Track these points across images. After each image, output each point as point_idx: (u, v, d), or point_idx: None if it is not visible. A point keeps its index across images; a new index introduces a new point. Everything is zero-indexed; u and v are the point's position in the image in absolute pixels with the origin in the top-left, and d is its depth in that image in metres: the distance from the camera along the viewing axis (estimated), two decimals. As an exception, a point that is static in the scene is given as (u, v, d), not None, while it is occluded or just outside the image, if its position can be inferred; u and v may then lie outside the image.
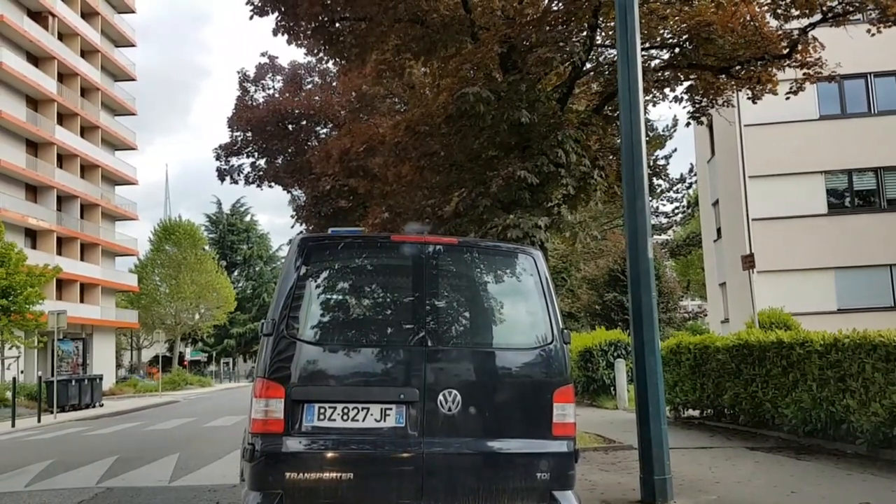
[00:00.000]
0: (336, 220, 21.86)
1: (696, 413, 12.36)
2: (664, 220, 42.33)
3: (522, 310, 4.99)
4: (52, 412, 22.46)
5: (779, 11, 10.70)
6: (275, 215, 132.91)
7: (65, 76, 43.00)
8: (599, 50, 12.04)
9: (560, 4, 10.81)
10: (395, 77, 14.71)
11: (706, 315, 34.78)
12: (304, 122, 24.95)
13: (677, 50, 11.29)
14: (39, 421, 20.54)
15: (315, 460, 4.26)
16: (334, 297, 4.78)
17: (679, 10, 10.68)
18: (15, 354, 28.51)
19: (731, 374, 10.54)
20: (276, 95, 25.58)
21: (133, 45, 51.91)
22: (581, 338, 19.26)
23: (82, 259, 43.61)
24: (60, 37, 42.74)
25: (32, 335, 27.66)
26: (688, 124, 13.72)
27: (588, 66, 11.67)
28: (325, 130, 25.29)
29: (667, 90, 12.38)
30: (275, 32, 11.07)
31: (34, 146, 40.28)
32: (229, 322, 63.11)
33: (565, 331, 4.78)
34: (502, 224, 9.75)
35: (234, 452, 10.05)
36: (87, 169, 45.03)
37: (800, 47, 10.83)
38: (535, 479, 4.43)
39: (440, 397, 4.37)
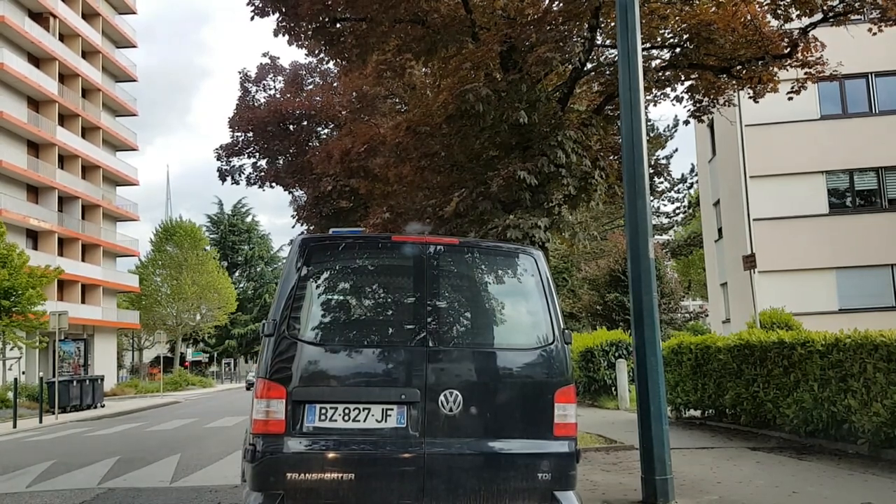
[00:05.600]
0: (337, 220, 21.88)
1: (698, 413, 12.35)
2: (665, 220, 42.41)
3: (523, 310, 4.98)
4: (53, 413, 22.47)
5: (779, 11, 10.70)
6: (276, 216, 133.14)
7: (66, 77, 43.05)
8: (600, 50, 12.04)
9: (560, 4, 10.81)
10: (396, 77, 14.72)
11: (707, 315, 34.76)
12: (305, 123, 24.94)
13: (678, 50, 11.29)
14: (41, 422, 20.56)
15: (316, 461, 4.25)
16: (335, 297, 4.77)
17: (680, 9, 10.67)
18: (17, 355, 28.54)
19: (732, 375, 10.53)
20: (278, 96, 25.57)
21: (134, 46, 51.99)
22: (582, 338, 19.25)
23: (83, 260, 43.66)
24: (61, 38, 42.79)
25: (34, 336, 27.70)
26: (686, 122, 13.73)
27: (589, 66, 11.67)
28: (325, 131, 25.30)
29: (668, 90, 12.38)
30: (276, 33, 11.08)
31: (35, 147, 40.33)
32: (230, 323, 63.21)
33: (566, 331, 4.78)
34: (502, 224, 9.75)
35: (236, 453, 10.07)
36: (88, 170, 45.09)
37: (800, 47, 10.84)
38: (537, 480, 4.43)
39: (441, 398, 4.37)
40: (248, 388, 43.88)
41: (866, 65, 21.16)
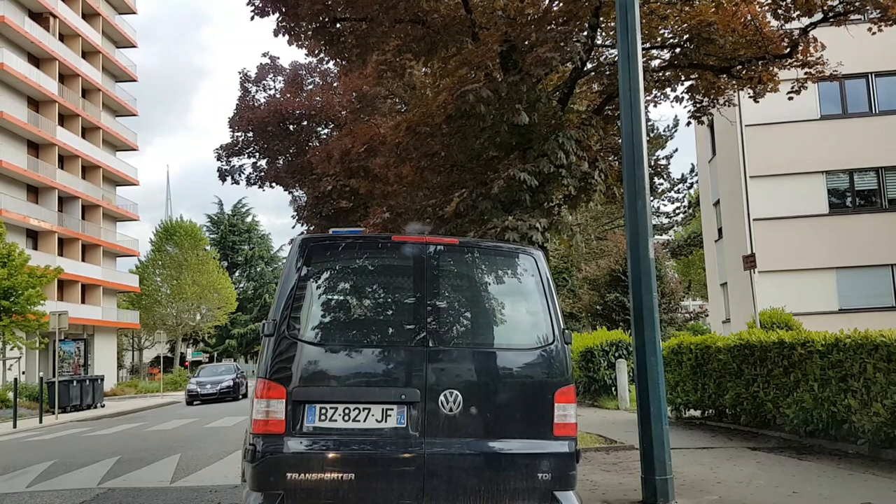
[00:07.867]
0: (337, 220, 21.91)
1: (698, 413, 12.34)
2: (665, 221, 42.37)
3: (523, 310, 4.98)
4: (53, 413, 22.48)
5: (779, 11, 10.70)
6: (276, 216, 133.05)
7: (66, 77, 43.05)
8: (600, 50, 12.04)
9: (560, 4, 10.81)
10: (396, 77, 14.74)
11: (707, 315, 34.77)
12: (305, 123, 24.99)
13: (678, 50, 11.30)
14: (41, 422, 20.57)
15: (316, 461, 4.25)
16: (335, 297, 4.77)
17: (680, 9, 10.68)
18: (17, 355, 28.54)
19: (732, 375, 10.53)
20: (278, 96, 25.62)
21: (134, 46, 52.01)
22: (582, 338, 19.23)
23: (83, 260, 43.66)
24: (61, 38, 42.79)
25: (34, 336, 27.70)
26: (688, 123, 13.82)
27: (589, 66, 11.67)
28: (326, 131, 25.34)
29: (668, 90, 12.40)
30: (276, 33, 11.08)
31: (35, 147, 40.34)
32: (230, 322, 63.22)
33: (566, 331, 4.78)
34: (500, 225, 9.75)
35: (236, 453, 10.08)
36: (88, 170, 45.09)
37: (801, 47, 10.84)
38: (537, 480, 4.43)
39: (441, 398, 4.37)
40: (188, 403, 29.16)
41: (866, 65, 21.18)
